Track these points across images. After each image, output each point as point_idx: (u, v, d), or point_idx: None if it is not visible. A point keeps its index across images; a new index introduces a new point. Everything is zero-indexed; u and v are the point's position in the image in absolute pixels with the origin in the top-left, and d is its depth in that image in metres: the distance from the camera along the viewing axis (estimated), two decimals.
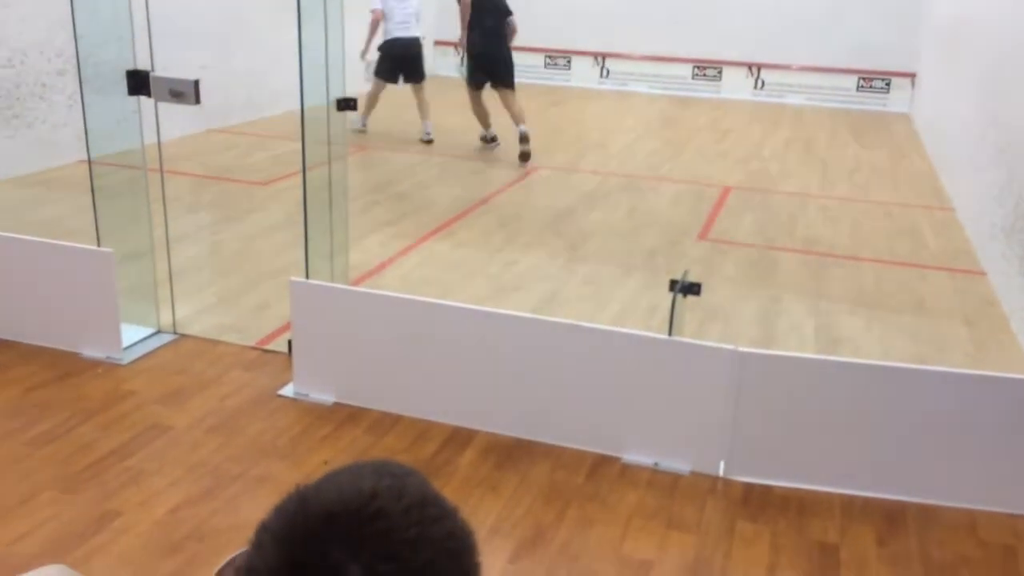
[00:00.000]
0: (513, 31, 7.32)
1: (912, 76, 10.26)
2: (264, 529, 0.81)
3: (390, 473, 0.84)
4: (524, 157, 7.08)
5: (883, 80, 10.55)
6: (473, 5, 7.16)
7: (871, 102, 10.59)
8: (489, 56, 7.20)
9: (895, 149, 8.50)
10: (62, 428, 3.00)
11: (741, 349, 2.87)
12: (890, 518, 2.76)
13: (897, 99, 10.49)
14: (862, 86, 10.61)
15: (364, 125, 7.89)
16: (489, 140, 7.60)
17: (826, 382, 2.86)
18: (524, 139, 7.08)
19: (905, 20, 9.99)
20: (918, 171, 7.56)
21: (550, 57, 11.67)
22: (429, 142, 7.65)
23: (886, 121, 9.94)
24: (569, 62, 11.67)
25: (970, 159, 5.99)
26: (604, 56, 11.46)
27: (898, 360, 3.78)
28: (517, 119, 7.18)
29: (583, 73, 11.64)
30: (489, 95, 7.34)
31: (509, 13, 7.31)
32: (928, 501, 2.81)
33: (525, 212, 5.93)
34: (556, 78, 11.70)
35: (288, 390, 3.33)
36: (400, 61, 7.67)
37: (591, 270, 4.85)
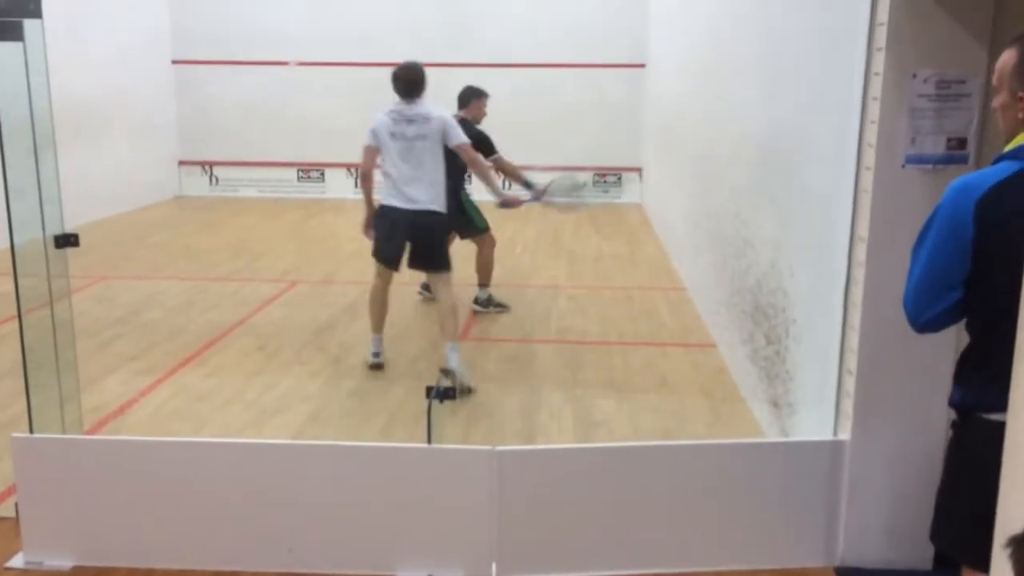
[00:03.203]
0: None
1: (639, 170, 11.33)
2: None
3: None
4: None
5: (615, 175, 11.55)
6: None
7: (607, 195, 11.53)
8: None
9: (631, 237, 9.27)
10: None
11: (498, 448, 2.95)
12: None
13: (629, 191, 11.51)
14: (598, 181, 11.55)
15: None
16: None
17: (579, 469, 3.00)
18: None
19: (629, 122, 11.11)
20: (652, 256, 8.27)
21: (303, 171, 11.72)
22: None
23: (622, 212, 10.84)
24: (323, 174, 11.77)
25: (691, 243, 6.66)
26: (358, 166, 11.67)
27: (646, 436, 4.05)
28: None
29: (337, 184, 11.77)
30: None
31: None
32: (682, 569, 2.99)
33: (284, 330, 5.79)
34: (311, 191, 11.76)
35: (18, 560, 2.98)
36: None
37: (355, 384, 4.81)
